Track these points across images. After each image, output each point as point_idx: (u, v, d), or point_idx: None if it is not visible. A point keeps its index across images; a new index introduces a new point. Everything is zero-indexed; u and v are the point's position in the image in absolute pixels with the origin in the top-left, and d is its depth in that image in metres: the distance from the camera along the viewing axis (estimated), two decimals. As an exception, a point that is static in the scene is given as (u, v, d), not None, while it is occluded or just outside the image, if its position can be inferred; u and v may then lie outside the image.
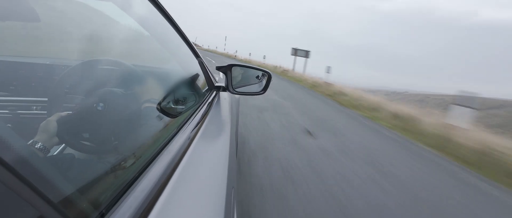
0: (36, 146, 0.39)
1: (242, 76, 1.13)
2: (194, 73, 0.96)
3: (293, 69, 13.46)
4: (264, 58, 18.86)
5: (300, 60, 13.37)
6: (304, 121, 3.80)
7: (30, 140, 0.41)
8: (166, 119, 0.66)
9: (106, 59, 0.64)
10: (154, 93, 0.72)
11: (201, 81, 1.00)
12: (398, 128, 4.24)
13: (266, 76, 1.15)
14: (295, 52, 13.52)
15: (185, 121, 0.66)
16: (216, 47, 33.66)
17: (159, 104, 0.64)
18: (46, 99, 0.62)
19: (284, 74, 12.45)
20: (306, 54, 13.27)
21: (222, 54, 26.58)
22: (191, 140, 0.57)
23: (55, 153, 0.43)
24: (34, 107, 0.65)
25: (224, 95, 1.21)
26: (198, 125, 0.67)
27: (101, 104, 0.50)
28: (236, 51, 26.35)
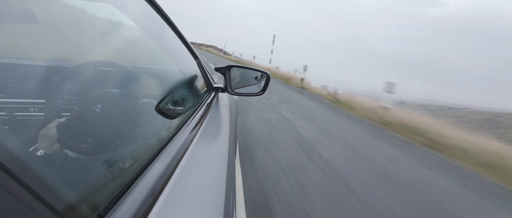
0: (33, 148, 0.39)
1: (241, 77, 1.13)
2: (193, 74, 0.96)
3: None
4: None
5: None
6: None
7: (27, 142, 0.41)
8: (165, 120, 0.65)
9: (104, 61, 0.64)
10: (153, 94, 0.72)
11: (199, 82, 1.00)
12: None
13: (264, 77, 1.15)
14: None
15: (183, 122, 0.66)
16: (254, 57, 19.85)
17: (158, 105, 0.64)
18: (44, 101, 0.62)
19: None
20: None
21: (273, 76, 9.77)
22: (190, 141, 0.57)
23: (53, 155, 0.43)
24: (32, 109, 0.64)
25: (222, 96, 1.21)
26: (197, 126, 0.67)
27: (99, 106, 0.50)
28: (298, 71, 10.42)
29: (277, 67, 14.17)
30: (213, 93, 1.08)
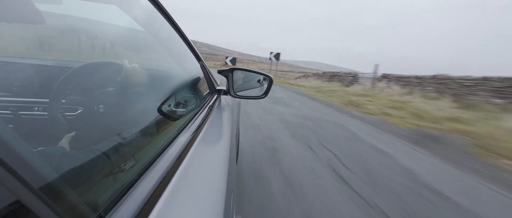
0: (36, 147, 0.39)
1: (243, 80, 1.13)
2: (196, 76, 0.96)
3: None
4: None
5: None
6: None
7: (30, 141, 0.41)
8: (167, 122, 0.66)
9: (108, 62, 0.64)
10: (155, 95, 0.72)
11: (202, 84, 1.00)
12: None
13: (267, 80, 1.15)
14: None
15: (185, 124, 0.66)
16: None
17: (160, 106, 0.65)
18: (47, 100, 0.62)
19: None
20: None
21: None
22: (191, 143, 0.57)
23: (54, 154, 0.43)
24: (36, 108, 0.65)
25: (225, 98, 1.21)
26: (199, 129, 0.67)
27: (102, 106, 0.50)
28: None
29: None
30: (216, 96, 1.08)
